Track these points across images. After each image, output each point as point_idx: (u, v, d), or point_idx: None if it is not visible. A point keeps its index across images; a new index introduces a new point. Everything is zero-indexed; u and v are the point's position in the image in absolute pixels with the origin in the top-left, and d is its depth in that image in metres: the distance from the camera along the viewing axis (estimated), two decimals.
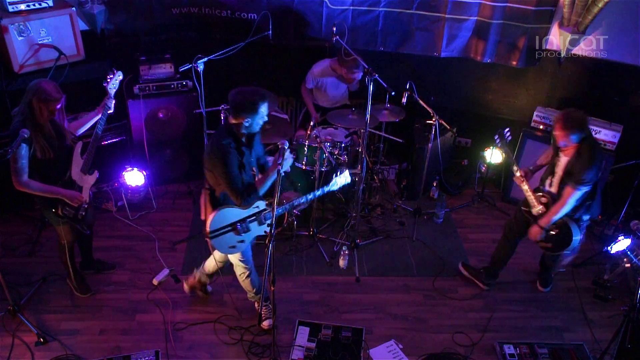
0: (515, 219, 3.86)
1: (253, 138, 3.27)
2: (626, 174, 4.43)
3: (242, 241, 3.30)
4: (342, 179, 3.36)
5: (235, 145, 3.13)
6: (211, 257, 3.68)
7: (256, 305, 3.78)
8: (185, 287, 3.87)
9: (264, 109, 3.10)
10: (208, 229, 3.17)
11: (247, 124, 3.09)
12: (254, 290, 3.66)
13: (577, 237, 3.57)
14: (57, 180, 3.34)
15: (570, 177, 3.39)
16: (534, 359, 3.51)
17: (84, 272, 3.99)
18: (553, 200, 3.56)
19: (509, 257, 3.99)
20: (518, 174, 3.64)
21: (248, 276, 3.56)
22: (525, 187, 3.63)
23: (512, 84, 5.11)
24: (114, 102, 3.54)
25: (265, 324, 3.63)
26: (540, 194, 3.63)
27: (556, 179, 3.54)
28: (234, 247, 3.31)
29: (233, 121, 3.11)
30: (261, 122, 3.17)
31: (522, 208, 3.74)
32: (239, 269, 3.55)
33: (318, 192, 3.36)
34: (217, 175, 3.14)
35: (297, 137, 4.67)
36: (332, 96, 4.96)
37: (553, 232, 3.61)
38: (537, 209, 3.61)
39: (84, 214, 3.48)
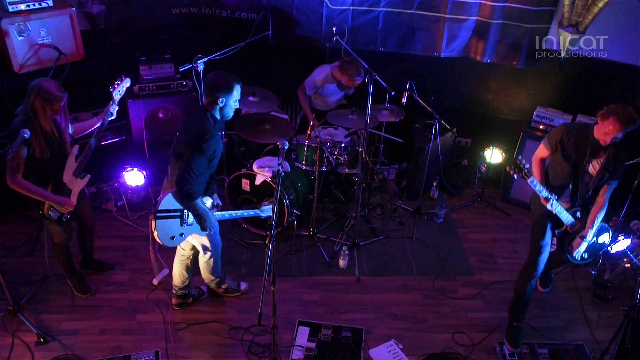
0: (532, 263, 3.53)
1: (223, 128, 3.29)
2: (626, 174, 4.41)
3: (181, 234, 3.30)
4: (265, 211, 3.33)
5: (215, 130, 3.10)
6: (174, 271, 3.71)
7: (220, 288, 3.84)
8: (174, 301, 3.84)
9: (237, 91, 3.11)
10: (157, 208, 3.16)
11: (221, 104, 3.08)
12: (216, 274, 3.73)
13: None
14: (49, 181, 3.34)
15: (612, 175, 3.31)
16: (534, 359, 3.51)
17: (83, 272, 3.99)
18: (587, 209, 3.44)
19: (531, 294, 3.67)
20: (550, 196, 3.30)
21: (211, 257, 3.59)
22: (558, 208, 3.34)
23: (512, 84, 5.11)
24: (117, 108, 3.52)
25: (243, 286, 3.87)
26: (574, 209, 3.45)
27: (592, 184, 3.38)
28: (173, 238, 3.28)
29: (207, 100, 3.10)
30: (234, 106, 3.16)
31: (557, 230, 3.51)
32: (207, 254, 3.56)
33: (238, 213, 3.48)
34: (184, 158, 3.03)
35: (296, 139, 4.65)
36: (331, 102, 4.95)
37: (595, 238, 3.51)
38: (572, 222, 3.46)
39: (69, 217, 3.46)
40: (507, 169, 3.23)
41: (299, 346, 3.54)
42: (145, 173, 4.60)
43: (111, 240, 4.39)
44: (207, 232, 3.35)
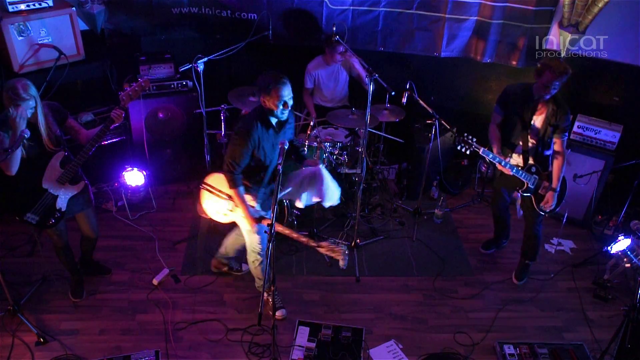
0: (496, 199, 4.18)
1: (284, 125, 3.31)
2: (626, 174, 4.43)
3: (226, 215, 3.45)
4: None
5: (262, 126, 3.20)
6: (226, 239, 3.85)
7: (265, 295, 3.78)
8: (212, 262, 4.06)
9: (279, 92, 3.08)
10: (206, 180, 3.31)
11: (263, 103, 3.18)
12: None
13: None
14: (23, 181, 3.28)
15: (557, 128, 3.59)
16: (534, 359, 3.51)
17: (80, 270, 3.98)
18: (541, 164, 3.72)
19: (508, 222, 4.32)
20: (503, 162, 3.67)
21: (260, 263, 3.63)
22: (514, 169, 3.69)
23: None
24: (122, 114, 3.31)
25: (279, 314, 3.69)
26: (528, 165, 3.73)
27: (540, 138, 3.65)
28: (217, 213, 3.48)
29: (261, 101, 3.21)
30: (280, 107, 3.15)
31: (521, 191, 3.80)
32: (253, 255, 3.61)
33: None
34: (230, 147, 3.21)
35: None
36: (329, 91, 4.93)
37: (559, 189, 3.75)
38: (534, 180, 3.75)
39: (53, 221, 3.40)
40: (457, 147, 3.64)
41: (299, 346, 3.54)
42: (145, 173, 4.60)
43: (111, 240, 4.39)
44: (247, 228, 3.42)
